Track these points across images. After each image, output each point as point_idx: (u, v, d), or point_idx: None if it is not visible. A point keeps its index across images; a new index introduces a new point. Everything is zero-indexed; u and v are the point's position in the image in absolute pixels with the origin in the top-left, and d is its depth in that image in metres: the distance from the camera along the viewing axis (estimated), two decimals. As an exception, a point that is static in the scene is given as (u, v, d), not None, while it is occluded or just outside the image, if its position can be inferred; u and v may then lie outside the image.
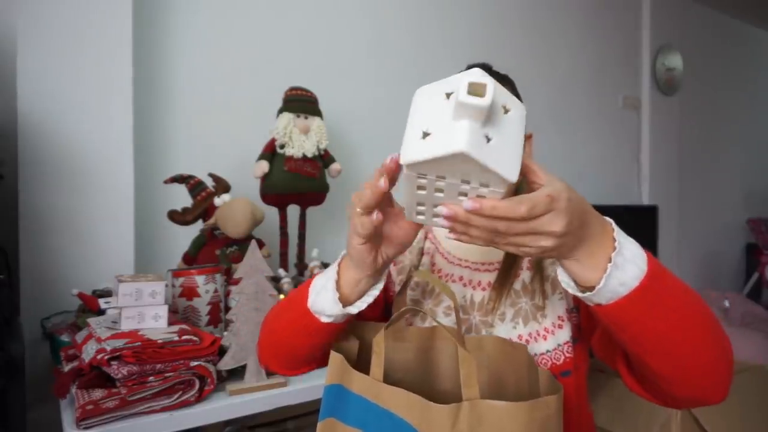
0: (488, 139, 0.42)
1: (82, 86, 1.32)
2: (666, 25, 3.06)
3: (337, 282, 0.60)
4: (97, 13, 1.33)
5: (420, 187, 0.48)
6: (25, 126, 1.26)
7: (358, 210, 0.52)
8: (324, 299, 0.60)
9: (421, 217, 0.53)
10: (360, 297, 0.60)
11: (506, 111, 0.44)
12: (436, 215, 0.50)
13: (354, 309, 0.60)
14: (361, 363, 0.61)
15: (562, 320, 0.69)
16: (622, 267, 0.48)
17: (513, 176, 0.43)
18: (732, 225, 3.65)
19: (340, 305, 0.59)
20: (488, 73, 0.75)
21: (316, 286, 0.62)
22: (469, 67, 0.75)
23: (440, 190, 0.47)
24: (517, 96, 0.75)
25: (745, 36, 3.72)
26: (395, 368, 0.66)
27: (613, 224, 0.52)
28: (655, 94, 3.01)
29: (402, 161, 0.45)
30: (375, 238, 0.55)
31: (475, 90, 0.40)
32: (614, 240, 0.50)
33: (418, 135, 0.43)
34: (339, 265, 0.61)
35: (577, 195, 0.47)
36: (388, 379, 0.57)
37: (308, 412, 1.34)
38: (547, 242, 0.46)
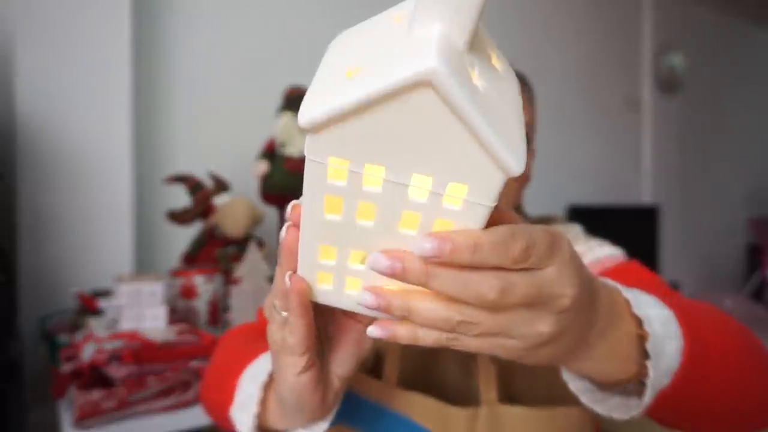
0: (476, 83, 0.25)
1: (82, 86, 1.32)
2: (667, 25, 3.05)
3: (260, 415, 0.42)
4: (96, 13, 1.33)
5: (331, 204, 0.27)
6: (25, 126, 1.26)
7: (277, 305, 0.33)
8: (242, 425, 0.43)
9: (325, 287, 0.31)
10: None
11: (495, 67, 0.28)
12: (354, 279, 0.30)
13: None
14: (371, 367, 0.57)
15: None
16: (660, 352, 0.34)
17: (519, 165, 0.25)
18: (733, 225, 3.65)
19: None
20: None
21: (241, 397, 0.44)
22: None
23: (368, 216, 0.27)
24: (535, 111, 0.70)
25: (746, 36, 3.71)
26: (406, 372, 0.65)
27: (618, 285, 0.36)
28: (656, 94, 3.00)
29: (301, 121, 0.24)
30: (317, 357, 0.34)
31: None
32: (634, 315, 0.34)
33: (337, 77, 0.25)
34: (264, 389, 0.42)
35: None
36: (400, 383, 0.55)
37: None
38: (545, 325, 0.28)
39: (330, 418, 0.40)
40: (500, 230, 0.26)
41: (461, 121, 0.23)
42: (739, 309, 2.92)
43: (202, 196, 1.35)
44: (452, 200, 0.26)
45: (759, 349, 0.43)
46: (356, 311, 0.32)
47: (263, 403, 0.42)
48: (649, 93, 2.98)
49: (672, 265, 2.98)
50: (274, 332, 0.34)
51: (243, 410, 0.43)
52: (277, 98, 1.45)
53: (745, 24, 3.65)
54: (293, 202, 0.30)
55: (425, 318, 0.27)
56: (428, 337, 0.28)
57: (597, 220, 2.36)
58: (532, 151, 0.69)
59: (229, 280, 1.24)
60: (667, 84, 3.03)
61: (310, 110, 0.24)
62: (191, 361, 0.92)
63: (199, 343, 0.94)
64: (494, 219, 0.27)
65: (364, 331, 0.33)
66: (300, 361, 0.33)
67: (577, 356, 0.32)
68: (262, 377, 0.43)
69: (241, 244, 1.33)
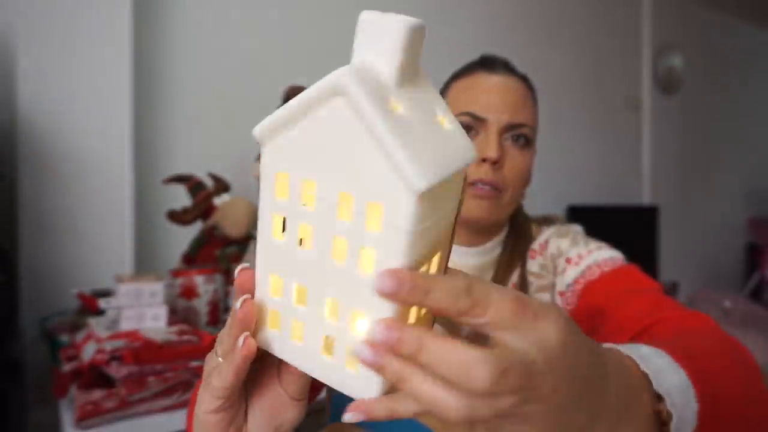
0: (397, 110, 0.25)
1: (83, 87, 1.32)
2: (666, 25, 3.05)
3: None
4: (97, 14, 1.33)
5: (278, 225, 0.28)
6: (26, 126, 1.26)
7: (217, 353, 0.33)
8: None
9: (273, 332, 0.31)
10: None
11: (439, 122, 0.28)
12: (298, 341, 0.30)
13: None
14: None
15: None
16: (682, 427, 0.32)
17: (421, 182, 0.24)
18: (733, 225, 3.65)
19: None
20: (509, 70, 0.70)
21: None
22: (487, 57, 0.73)
23: (307, 241, 0.28)
24: (537, 112, 0.70)
25: (746, 36, 3.71)
26: None
27: (632, 351, 0.34)
28: (655, 94, 3.00)
29: (255, 134, 0.28)
30: (236, 405, 0.34)
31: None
32: (654, 393, 0.32)
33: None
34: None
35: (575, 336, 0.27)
36: None
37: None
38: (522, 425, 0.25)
39: None
40: (455, 279, 0.25)
41: (370, 133, 0.24)
42: (738, 309, 2.93)
43: (203, 197, 1.35)
44: (373, 224, 0.25)
45: (754, 373, 0.43)
46: (297, 366, 0.31)
47: None
48: (648, 93, 2.98)
49: (671, 265, 2.98)
50: (207, 363, 0.34)
51: None
52: (276, 98, 1.45)
53: (744, 24, 3.65)
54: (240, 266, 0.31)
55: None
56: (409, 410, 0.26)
57: (596, 221, 2.36)
58: (533, 152, 0.69)
59: (229, 280, 1.24)
60: (667, 84, 3.03)
61: (261, 124, 0.27)
62: (191, 361, 0.92)
63: (200, 343, 0.94)
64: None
65: (288, 400, 0.34)
66: (215, 402, 0.33)
67: None
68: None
69: (241, 244, 1.33)
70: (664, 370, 0.33)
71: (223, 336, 0.32)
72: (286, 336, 0.30)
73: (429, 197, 0.25)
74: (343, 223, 0.26)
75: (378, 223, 0.25)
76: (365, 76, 0.25)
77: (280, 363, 0.34)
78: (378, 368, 0.25)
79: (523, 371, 0.24)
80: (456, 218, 0.30)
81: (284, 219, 0.28)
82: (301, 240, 0.28)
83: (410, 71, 0.27)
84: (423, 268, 0.27)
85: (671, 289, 2.76)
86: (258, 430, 0.35)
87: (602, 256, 0.64)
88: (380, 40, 0.26)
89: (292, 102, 0.26)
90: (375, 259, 0.26)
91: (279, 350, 0.31)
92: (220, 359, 0.32)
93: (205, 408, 0.33)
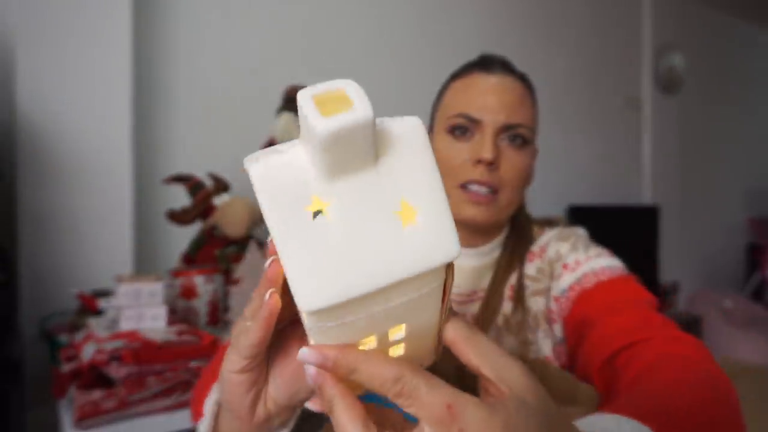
0: (317, 210, 0.24)
1: (82, 86, 1.32)
2: (667, 25, 3.05)
3: (215, 427, 0.43)
4: (96, 13, 1.33)
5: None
6: (25, 126, 1.26)
7: (245, 315, 0.35)
8: None
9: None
10: None
11: (401, 212, 0.25)
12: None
13: None
14: None
15: (550, 360, 0.65)
16: None
17: (308, 304, 0.24)
18: (733, 225, 3.65)
19: None
20: (507, 70, 0.69)
21: (206, 408, 0.44)
22: (485, 57, 0.72)
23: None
24: (536, 111, 0.69)
25: (746, 36, 3.71)
26: None
27: None
28: (656, 94, 3.00)
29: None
30: (260, 367, 0.36)
31: (326, 101, 0.24)
32: None
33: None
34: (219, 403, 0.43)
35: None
36: None
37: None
38: None
39: None
40: (386, 367, 0.26)
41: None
42: (738, 309, 2.93)
43: (203, 197, 1.35)
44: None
45: (730, 419, 0.42)
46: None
47: (217, 416, 0.43)
48: (649, 93, 2.98)
49: (672, 265, 2.98)
50: (235, 328, 0.36)
51: (202, 423, 0.43)
52: (276, 98, 1.45)
53: (744, 24, 3.65)
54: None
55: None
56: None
57: (597, 221, 2.36)
58: (534, 151, 0.69)
59: (229, 280, 1.24)
60: (667, 84, 3.03)
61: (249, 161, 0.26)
62: (191, 361, 0.92)
63: (199, 343, 0.94)
64: (455, 341, 0.29)
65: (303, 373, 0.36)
66: (241, 362, 0.34)
67: None
68: (216, 393, 0.43)
69: (241, 244, 1.33)
70: None
71: (253, 296, 0.34)
72: None
73: (340, 306, 0.24)
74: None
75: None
76: (281, 171, 0.24)
77: (302, 332, 0.34)
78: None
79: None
80: (445, 297, 0.29)
81: None
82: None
83: (357, 160, 0.24)
84: (369, 343, 0.28)
85: (672, 289, 2.76)
86: (277, 394, 0.37)
87: (600, 264, 0.63)
88: (306, 132, 0.24)
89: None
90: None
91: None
92: (248, 323, 0.34)
93: (231, 367, 0.35)
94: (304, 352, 0.26)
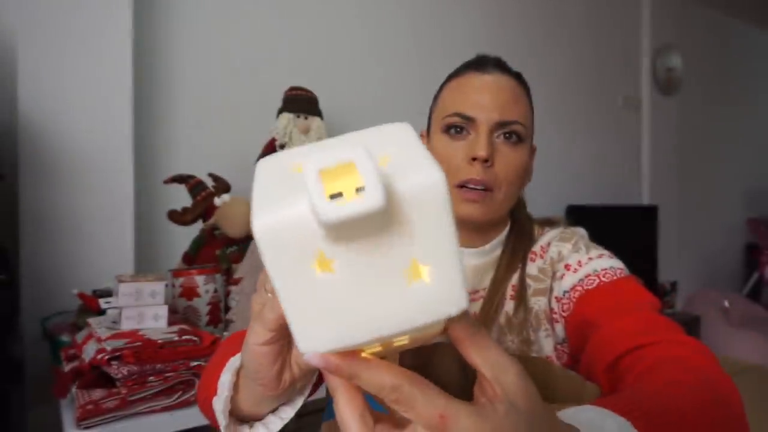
0: (323, 268, 0.25)
1: (83, 86, 1.32)
2: (666, 26, 3.06)
3: (234, 396, 0.44)
4: (97, 13, 1.33)
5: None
6: (26, 126, 1.26)
7: (266, 288, 0.37)
8: (218, 412, 0.45)
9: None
10: (263, 418, 0.45)
11: (409, 269, 0.25)
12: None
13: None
14: None
15: (552, 360, 0.65)
16: None
17: (306, 347, 0.26)
18: (732, 225, 3.66)
19: (229, 425, 0.44)
20: (501, 68, 0.70)
21: (218, 390, 0.46)
22: (479, 57, 0.73)
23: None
24: (531, 109, 0.69)
25: (745, 36, 3.72)
26: None
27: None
28: (654, 94, 3.01)
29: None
30: (285, 338, 0.37)
31: (334, 176, 0.23)
32: None
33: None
34: (236, 374, 0.45)
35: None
36: None
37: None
38: None
39: (297, 403, 0.44)
40: (384, 375, 0.27)
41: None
42: (737, 308, 2.93)
43: (203, 197, 1.35)
44: None
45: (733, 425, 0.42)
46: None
47: (235, 386, 0.44)
48: (648, 93, 2.98)
49: (671, 264, 2.99)
50: (256, 301, 0.38)
51: (219, 398, 0.45)
52: (277, 99, 1.46)
53: (743, 25, 3.66)
54: None
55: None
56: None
57: (596, 221, 2.36)
58: (531, 149, 0.69)
59: (229, 280, 1.24)
60: (666, 84, 3.04)
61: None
62: (192, 361, 0.92)
63: (200, 343, 0.94)
64: (458, 337, 0.30)
65: None
66: (266, 334, 0.36)
67: None
68: (236, 364, 0.45)
69: (241, 244, 1.33)
70: None
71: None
72: None
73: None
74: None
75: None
76: (286, 227, 0.24)
77: None
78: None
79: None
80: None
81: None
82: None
83: (366, 231, 0.24)
84: (371, 349, 0.29)
85: (670, 289, 2.76)
86: (301, 358, 0.38)
87: (602, 265, 0.63)
88: (311, 206, 0.23)
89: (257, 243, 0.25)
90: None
91: None
92: (269, 295, 0.36)
93: (256, 340, 0.37)
94: (309, 356, 0.27)
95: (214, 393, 0.47)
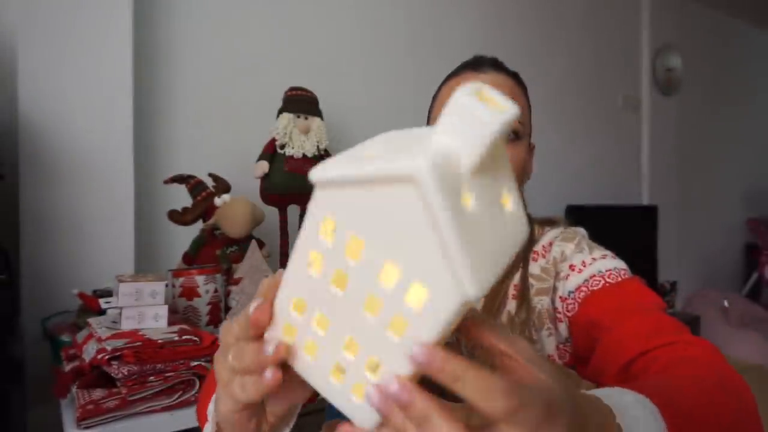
0: (468, 204, 0.25)
1: (83, 86, 1.32)
2: (666, 25, 3.06)
3: None
4: (97, 13, 1.33)
5: (315, 260, 0.30)
6: (26, 126, 1.26)
7: (234, 365, 0.35)
8: None
9: (287, 339, 0.33)
10: None
11: (503, 206, 0.28)
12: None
13: None
14: None
15: (553, 359, 0.66)
16: None
17: (475, 292, 0.25)
18: (732, 225, 3.66)
19: None
20: (497, 68, 0.70)
21: (209, 413, 0.46)
22: (476, 58, 0.73)
23: (341, 285, 0.29)
24: (529, 108, 0.71)
25: (745, 36, 3.72)
26: None
27: (613, 403, 0.36)
28: (654, 94, 3.01)
29: (312, 176, 0.28)
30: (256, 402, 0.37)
31: (486, 98, 0.26)
32: None
33: (357, 157, 0.28)
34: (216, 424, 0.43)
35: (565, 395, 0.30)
36: None
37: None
38: None
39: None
40: (493, 379, 0.26)
41: (434, 227, 0.24)
42: (737, 308, 2.93)
43: (204, 197, 1.35)
44: (413, 300, 0.27)
45: (746, 417, 0.43)
46: (304, 378, 0.33)
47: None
48: (647, 93, 2.98)
49: (671, 264, 2.99)
50: (221, 372, 0.36)
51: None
52: (277, 99, 1.46)
53: (743, 25, 3.66)
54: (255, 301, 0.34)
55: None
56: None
57: (596, 221, 2.36)
58: (529, 146, 0.70)
59: (230, 280, 1.24)
60: (666, 84, 3.04)
61: (323, 169, 0.27)
62: (192, 360, 0.92)
63: (200, 343, 0.94)
64: (483, 342, 0.30)
65: (300, 382, 0.35)
66: (237, 405, 0.36)
67: None
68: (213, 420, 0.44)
69: (241, 244, 1.34)
70: (638, 418, 0.35)
71: (242, 348, 0.34)
72: (300, 347, 0.33)
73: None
74: (383, 288, 0.27)
75: (419, 303, 0.26)
76: (443, 167, 0.24)
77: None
78: (383, 415, 0.28)
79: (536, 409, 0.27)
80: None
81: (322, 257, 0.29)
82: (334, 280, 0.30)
83: (488, 158, 0.26)
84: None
85: (670, 289, 2.76)
86: (275, 408, 0.38)
87: (607, 266, 0.64)
88: (469, 130, 0.25)
89: (359, 168, 0.26)
90: (406, 328, 0.27)
91: (291, 359, 0.34)
92: (234, 363, 0.34)
93: (227, 409, 0.36)
94: (418, 352, 0.26)
95: (206, 419, 0.46)
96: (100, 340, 0.91)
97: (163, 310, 0.99)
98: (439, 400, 0.27)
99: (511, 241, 0.28)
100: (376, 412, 0.28)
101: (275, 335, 0.34)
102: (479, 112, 0.25)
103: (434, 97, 0.73)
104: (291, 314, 0.32)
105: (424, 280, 0.26)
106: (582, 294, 0.63)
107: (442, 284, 0.25)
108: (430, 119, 0.72)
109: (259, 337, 0.35)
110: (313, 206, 0.29)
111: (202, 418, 0.52)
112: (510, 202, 0.29)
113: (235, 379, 0.35)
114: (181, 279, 1.13)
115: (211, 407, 0.45)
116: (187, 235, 1.38)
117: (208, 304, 1.15)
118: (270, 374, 0.33)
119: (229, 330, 0.36)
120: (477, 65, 0.69)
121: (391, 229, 0.26)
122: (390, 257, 0.26)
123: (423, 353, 0.26)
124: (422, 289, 0.26)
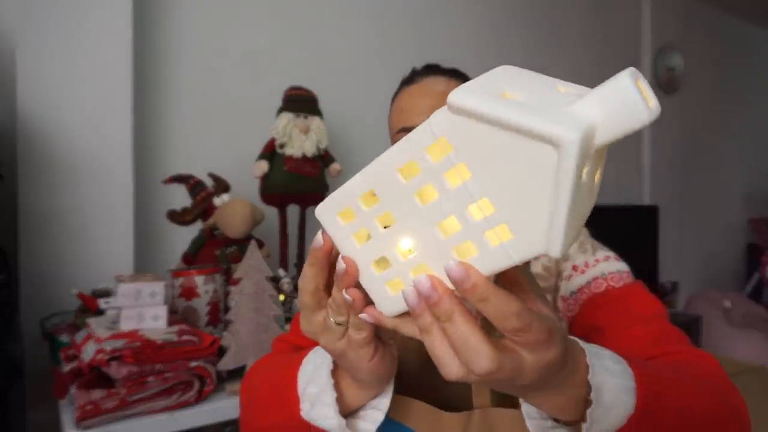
0: (582, 175, 0.27)
1: (82, 86, 1.32)
2: (666, 25, 3.05)
3: (338, 398, 0.45)
4: (96, 13, 1.33)
5: (409, 170, 0.30)
6: (25, 126, 1.26)
7: (331, 318, 0.38)
8: (324, 418, 0.45)
9: (376, 273, 0.34)
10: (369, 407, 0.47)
11: (594, 180, 0.31)
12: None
13: (369, 425, 0.46)
14: None
15: None
16: (601, 418, 0.38)
17: (558, 252, 0.27)
18: (733, 225, 3.65)
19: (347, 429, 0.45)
20: (430, 73, 0.73)
21: (310, 395, 0.47)
22: (412, 72, 0.75)
23: (425, 199, 0.30)
24: None
25: (746, 36, 3.71)
26: (401, 378, 0.64)
27: (590, 350, 0.39)
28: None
29: (451, 98, 0.27)
30: (372, 335, 0.39)
31: (641, 88, 0.27)
32: (588, 385, 0.37)
33: (495, 91, 0.28)
34: (333, 374, 0.46)
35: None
36: (396, 389, 0.55)
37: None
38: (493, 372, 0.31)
39: (392, 379, 0.46)
40: (511, 303, 0.30)
41: (556, 191, 0.26)
42: (738, 309, 2.93)
43: (203, 197, 1.35)
44: (492, 237, 0.29)
45: (729, 418, 0.44)
46: (338, 248, 0.35)
47: (337, 387, 0.45)
48: (648, 93, 2.98)
49: (672, 264, 2.98)
50: (331, 342, 0.39)
51: (319, 405, 0.45)
52: (277, 99, 1.46)
53: (744, 24, 3.65)
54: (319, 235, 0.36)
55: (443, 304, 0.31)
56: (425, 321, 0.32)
57: (596, 220, 2.35)
58: None
59: (228, 280, 1.24)
60: (667, 84, 3.03)
61: (464, 96, 0.27)
62: (192, 361, 0.92)
63: (200, 343, 0.94)
64: (509, 276, 0.34)
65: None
66: (369, 350, 0.39)
67: (531, 399, 0.38)
68: (325, 368, 0.46)
69: (240, 244, 1.33)
70: (606, 369, 0.38)
71: (336, 298, 0.36)
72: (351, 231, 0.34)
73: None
74: (468, 217, 0.29)
75: (497, 241, 0.29)
76: (586, 140, 0.26)
77: None
78: (413, 312, 0.32)
79: (512, 374, 0.31)
80: None
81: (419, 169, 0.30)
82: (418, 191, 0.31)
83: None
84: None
85: (671, 289, 2.76)
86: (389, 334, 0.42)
87: (609, 268, 0.64)
88: (617, 113, 0.26)
89: (506, 113, 0.26)
90: (471, 256, 0.30)
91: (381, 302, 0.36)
92: (340, 324, 0.38)
93: (366, 360, 0.39)
94: (451, 266, 0.29)
95: (297, 410, 0.47)
96: (99, 340, 0.90)
97: (163, 311, 0.99)
98: (463, 304, 0.31)
99: (586, 211, 0.31)
100: (407, 307, 0.32)
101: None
102: (630, 98, 0.26)
103: (388, 121, 0.76)
104: (357, 202, 0.33)
105: (514, 224, 0.28)
106: (584, 296, 0.63)
107: (531, 235, 0.28)
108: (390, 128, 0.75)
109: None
110: (434, 121, 0.29)
111: (288, 428, 0.50)
112: (598, 174, 0.32)
113: (345, 337, 0.38)
114: (181, 279, 1.13)
115: (311, 388, 0.46)
116: (186, 235, 1.38)
117: (208, 304, 1.14)
118: (368, 316, 0.36)
119: (331, 302, 0.38)
120: (410, 79, 0.73)
121: (508, 175, 0.27)
122: (490, 195, 0.28)
123: (459, 271, 0.29)
124: (508, 232, 0.28)
